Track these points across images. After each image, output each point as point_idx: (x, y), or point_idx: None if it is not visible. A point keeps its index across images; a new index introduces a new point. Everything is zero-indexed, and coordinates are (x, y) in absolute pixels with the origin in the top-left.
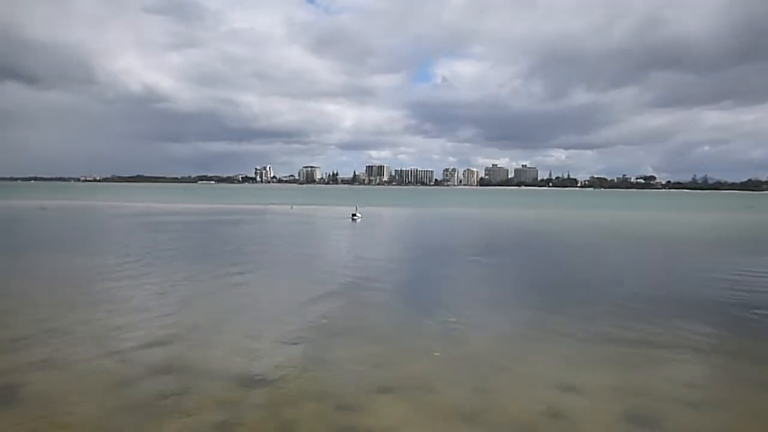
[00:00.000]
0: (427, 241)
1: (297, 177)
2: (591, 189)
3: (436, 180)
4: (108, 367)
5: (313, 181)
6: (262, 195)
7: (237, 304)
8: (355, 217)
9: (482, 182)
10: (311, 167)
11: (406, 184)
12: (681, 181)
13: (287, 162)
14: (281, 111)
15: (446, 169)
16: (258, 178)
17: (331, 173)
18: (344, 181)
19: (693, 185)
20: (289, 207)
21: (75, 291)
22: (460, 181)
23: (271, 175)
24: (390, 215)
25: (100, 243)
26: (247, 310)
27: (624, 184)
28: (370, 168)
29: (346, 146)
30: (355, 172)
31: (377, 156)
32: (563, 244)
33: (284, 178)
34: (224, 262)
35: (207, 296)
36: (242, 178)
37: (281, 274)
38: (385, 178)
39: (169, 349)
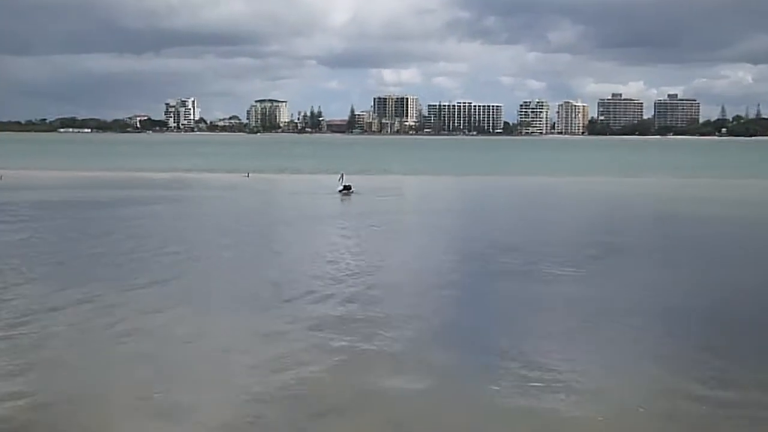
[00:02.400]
0: (489, 242)
1: (245, 119)
2: None
3: (506, 124)
4: None
5: (276, 128)
6: (181, 154)
7: (145, 374)
8: (347, 191)
9: (593, 128)
10: (272, 102)
11: (451, 132)
12: None
13: (226, 92)
14: None
15: (525, 105)
16: (172, 123)
17: (306, 113)
18: (334, 128)
19: None
20: (245, 175)
21: None
22: (553, 126)
23: (196, 117)
24: (419, 188)
25: None
26: (166, 383)
27: None
28: (381, 102)
29: (338, 62)
30: (353, 111)
31: (395, 79)
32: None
33: (221, 123)
34: (121, 284)
35: (89, 353)
36: (143, 122)
37: (224, 308)
38: (411, 121)
39: None
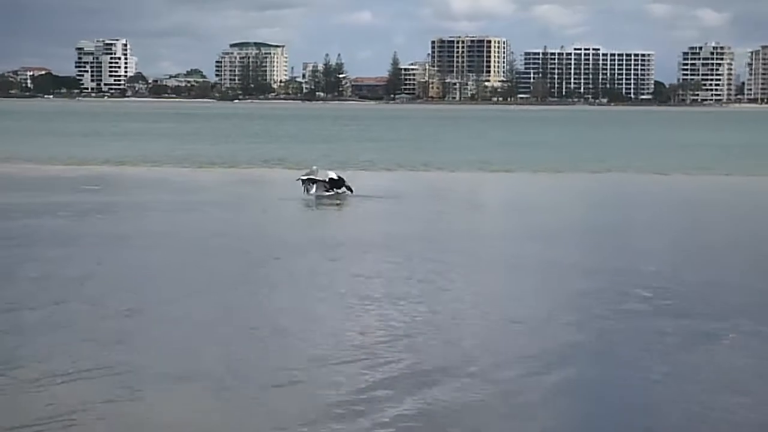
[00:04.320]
0: (636, 283)
1: (213, 77)
2: None
3: (659, 86)
4: None
5: (266, 92)
6: (101, 134)
7: None
8: (329, 189)
9: None
10: (258, 48)
11: (565, 98)
12: None
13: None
14: None
15: (693, 53)
16: (88, 82)
17: (317, 67)
18: (364, 91)
19: None
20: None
21: None
22: (741, 89)
23: (131, 72)
24: (513, 192)
25: None
26: None
27: None
28: (445, 48)
29: None
30: (396, 62)
31: (470, 9)
32: None
33: (171, 81)
34: None
35: None
36: (38, 80)
37: None
38: (497, 80)
39: None
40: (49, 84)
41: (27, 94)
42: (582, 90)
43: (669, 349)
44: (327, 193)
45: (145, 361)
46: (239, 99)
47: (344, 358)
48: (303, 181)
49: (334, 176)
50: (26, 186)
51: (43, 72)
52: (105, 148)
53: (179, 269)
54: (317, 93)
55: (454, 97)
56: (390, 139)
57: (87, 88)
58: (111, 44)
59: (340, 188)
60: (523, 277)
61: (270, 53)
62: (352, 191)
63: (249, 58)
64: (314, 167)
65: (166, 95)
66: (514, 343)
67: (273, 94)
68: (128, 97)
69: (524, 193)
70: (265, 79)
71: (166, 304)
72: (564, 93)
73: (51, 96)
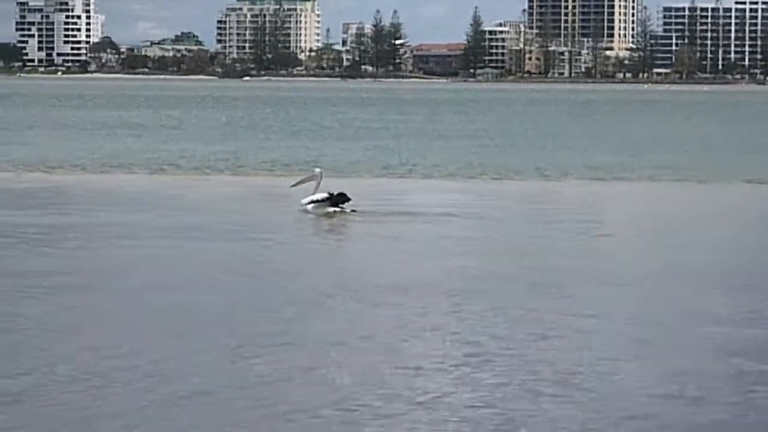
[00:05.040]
0: None
1: (213, 44)
2: None
3: None
4: None
5: (289, 66)
6: (49, 126)
7: None
8: (329, 204)
9: None
10: (278, 3)
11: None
12: None
13: None
14: None
15: None
16: (34, 50)
17: (364, 30)
18: (430, 64)
19: None
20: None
21: None
22: None
23: (94, 37)
24: (645, 211)
25: None
26: None
27: None
28: (547, 3)
29: None
30: (478, 22)
31: None
32: None
33: (152, 50)
34: None
35: None
36: None
37: None
38: (622, 48)
39: None
40: None
41: None
42: (746, 63)
43: None
44: (330, 210)
45: None
46: (250, 76)
47: None
48: (317, 202)
49: (332, 192)
50: None
51: None
52: (56, 148)
53: (167, 353)
54: (363, 67)
55: (561, 73)
56: (467, 135)
57: (33, 60)
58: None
59: (338, 204)
60: (686, 344)
61: (295, 10)
62: (345, 206)
63: (265, 17)
64: (317, 170)
65: (146, 69)
66: None
67: (299, 68)
68: (92, 72)
69: (663, 212)
70: (288, 48)
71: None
72: (720, 67)
73: None
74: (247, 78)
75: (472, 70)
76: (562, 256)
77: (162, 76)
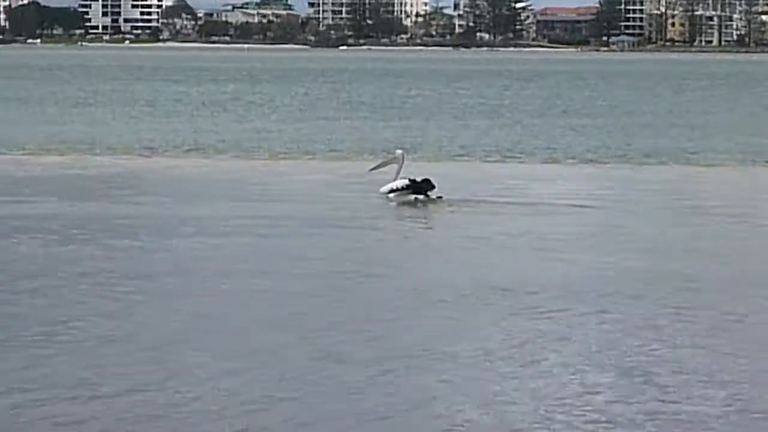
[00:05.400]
0: None
1: (304, 7)
2: None
3: None
4: None
5: (390, 33)
6: (111, 102)
7: None
8: (409, 191)
9: None
10: None
11: None
12: None
13: None
14: None
15: None
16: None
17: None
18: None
19: None
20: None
21: None
22: None
23: (104, 22)
24: None
25: None
26: None
27: None
28: None
29: None
30: None
31: None
32: None
33: (149, 19)
34: None
35: None
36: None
37: None
38: None
39: None
40: (34, 21)
41: None
42: None
43: None
44: (412, 198)
45: None
46: (347, 45)
47: None
48: (399, 189)
49: (413, 178)
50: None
51: (25, 2)
52: (121, 128)
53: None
54: (479, 34)
55: (709, 41)
56: (597, 112)
57: (96, 27)
58: None
59: (421, 190)
60: None
61: None
62: (429, 193)
63: None
64: (399, 151)
65: (227, 37)
66: None
67: (404, 36)
68: (164, 40)
69: None
70: (392, 12)
71: None
72: None
73: (38, 41)
74: (344, 47)
75: (605, 38)
76: (718, 254)
77: (245, 46)
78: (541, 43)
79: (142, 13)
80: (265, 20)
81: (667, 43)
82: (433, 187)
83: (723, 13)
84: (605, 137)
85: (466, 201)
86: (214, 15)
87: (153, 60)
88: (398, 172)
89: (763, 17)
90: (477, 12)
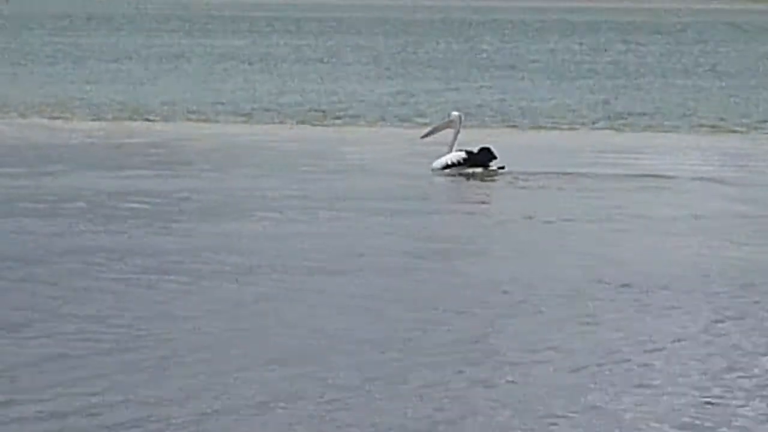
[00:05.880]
0: None
1: None
2: None
3: None
4: None
5: None
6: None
7: None
8: (468, 162)
9: None
10: None
11: None
12: None
13: None
14: None
15: None
16: None
17: None
18: None
19: None
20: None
21: None
22: None
23: None
24: None
25: None
26: None
27: None
28: None
29: None
30: None
31: None
32: None
33: None
34: None
35: None
36: None
37: None
38: None
39: None
40: None
41: None
42: None
43: None
44: (470, 171)
45: None
46: None
47: None
48: (453, 165)
49: (469, 149)
50: (19, 158)
51: None
52: (160, 88)
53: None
54: None
55: None
56: (725, 72)
57: None
58: None
59: (485, 161)
60: None
61: None
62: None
63: None
64: (455, 113)
65: None
66: None
67: None
68: None
69: None
70: None
71: None
72: None
73: None
74: None
75: None
76: None
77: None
78: None
79: None
80: None
81: None
82: (494, 157)
83: None
84: (730, 102)
85: (567, 174)
86: None
87: (191, 8)
88: (455, 139)
89: None
90: None
